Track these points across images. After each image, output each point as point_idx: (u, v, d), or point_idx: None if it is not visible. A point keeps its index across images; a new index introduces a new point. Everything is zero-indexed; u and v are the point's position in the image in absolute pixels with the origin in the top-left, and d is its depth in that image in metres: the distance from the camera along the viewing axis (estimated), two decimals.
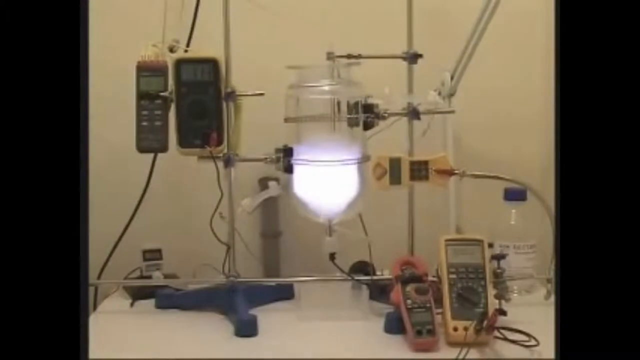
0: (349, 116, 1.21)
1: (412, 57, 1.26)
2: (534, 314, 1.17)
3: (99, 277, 1.40)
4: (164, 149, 1.22)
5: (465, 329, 1.07)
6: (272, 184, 1.34)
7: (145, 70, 1.22)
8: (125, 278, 1.38)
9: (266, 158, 1.22)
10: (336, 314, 1.23)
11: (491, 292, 1.13)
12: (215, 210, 1.26)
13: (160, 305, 1.29)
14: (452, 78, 1.33)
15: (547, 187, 1.10)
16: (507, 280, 1.15)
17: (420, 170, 1.20)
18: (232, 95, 1.22)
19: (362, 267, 1.32)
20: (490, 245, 1.18)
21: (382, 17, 1.42)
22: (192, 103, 1.21)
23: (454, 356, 1.02)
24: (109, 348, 1.10)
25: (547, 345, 0.93)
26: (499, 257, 1.16)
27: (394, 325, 1.14)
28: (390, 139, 1.24)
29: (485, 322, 1.05)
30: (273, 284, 1.35)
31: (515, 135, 1.49)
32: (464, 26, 1.28)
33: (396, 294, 1.15)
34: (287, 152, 1.21)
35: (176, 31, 1.29)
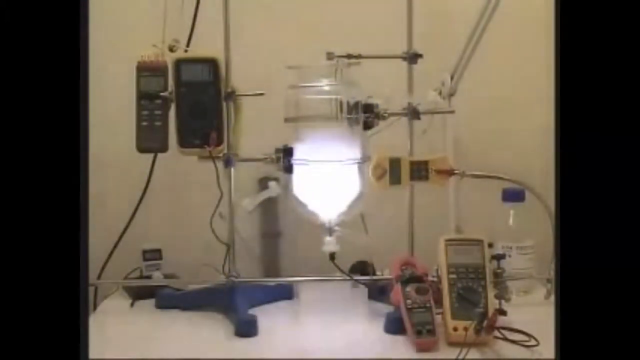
0: (349, 116, 1.21)
1: (412, 57, 1.26)
2: (534, 314, 1.17)
3: (99, 277, 1.40)
4: (164, 149, 1.22)
5: (465, 329, 1.07)
6: (272, 184, 1.34)
7: (145, 70, 1.22)
8: (125, 278, 1.38)
9: (266, 158, 1.22)
10: (336, 314, 1.23)
11: (491, 292, 1.13)
12: (215, 210, 1.26)
13: (160, 305, 1.29)
14: (452, 78, 1.33)
15: (547, 187, 1.10)
16: (507, 280, 1.15)
17: (420, 170, 1.20)
18: (232, 95, 1.22)
19: (362, 267, 1.32)
20: (490, 245, 1.18)
21: (382, 17, 1.42)
22: (192, 103, 1.21)
23: (454, 356, 1.02)
24: (109, 348, 1.10)
25: (547, 345, 0.93)
26: (499, 257, 1.16)
27: (394, 325, 1.14)
28: (390, 139, 1.24)
29: (485, 322, 1.05)
30: (273, 284, 1.35)
31: (515, 136, 1.49)
32: (464, 26, 1.28)
33: (396, 294, 1.15)
34: (287, 152, 1.21)
35: (176, 31, 1.29)
